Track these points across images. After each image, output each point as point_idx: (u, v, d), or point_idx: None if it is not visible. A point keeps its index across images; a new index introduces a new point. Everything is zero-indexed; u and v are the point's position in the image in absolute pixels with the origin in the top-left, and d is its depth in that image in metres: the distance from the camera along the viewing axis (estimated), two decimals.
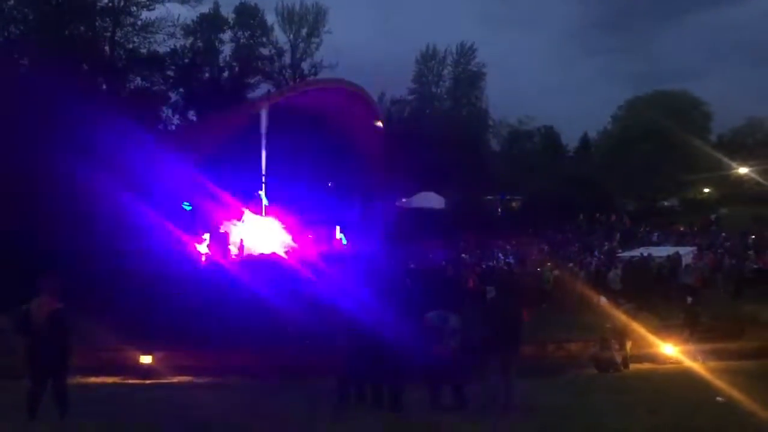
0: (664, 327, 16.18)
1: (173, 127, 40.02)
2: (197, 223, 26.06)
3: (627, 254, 27.46)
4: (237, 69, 46.80)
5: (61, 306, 7.63)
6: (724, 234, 32.51)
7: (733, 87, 78.00)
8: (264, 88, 47.22)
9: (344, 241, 32.69)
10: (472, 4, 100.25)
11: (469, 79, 55.73)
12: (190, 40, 42.99)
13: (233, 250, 28.09)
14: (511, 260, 29.57)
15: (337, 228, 33.09)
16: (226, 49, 46.37)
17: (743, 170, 42.83)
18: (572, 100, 76.65)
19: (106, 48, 32.72)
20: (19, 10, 28.96)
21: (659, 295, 21.02)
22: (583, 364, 14.79)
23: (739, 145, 48.66)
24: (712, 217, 38.82)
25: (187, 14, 37.03)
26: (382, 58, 59.23)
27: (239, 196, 30.87)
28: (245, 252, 28.47)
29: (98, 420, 8.10)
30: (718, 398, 9.47)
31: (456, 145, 47.11)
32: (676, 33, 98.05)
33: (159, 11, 33.32)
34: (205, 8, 40.61)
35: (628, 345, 14.78)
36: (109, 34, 32.56)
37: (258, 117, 26.15)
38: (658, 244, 31.01)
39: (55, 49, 27.52)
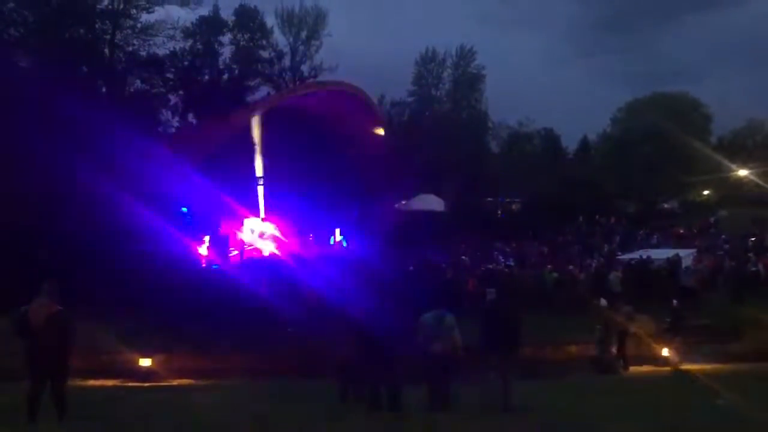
0: (664, 329, 16.17)
1: (173, 130, 40.01)
2: (197, 226, 26.08)
3: (627, 256, 27.45)
4: (237, 71, 46.74)
5: (61, 309, 7.63)
6: (723, 236, 32.51)
7: (733, 89, 78.07)
8: (264, 90, 47.24)
9: (344, 243, 32.72)
10: (472, 6, 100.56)
11: (468, 81, 55.72)
12: (190, 42, 42.88)
13: (233, 252, 28.12)
14: (511, 262, 29.54)
15: (337, 230, 33.12)
16: (226, 52, 46.27)
17: (743, 172, 42.84)
18: (572, 102, 76.69)
19: (106, 50, 32.69)
20: (18, 13, 28.94)
21: (659, 298, 21.00)
22: (582, 366, 14.80)
23: (739, 147, 48.72)
24: (712, 219, 38.85)
25: (186, 17, 37.01)
26: (381, 61, 59.14)
27: (239, 199, 30.91)
28: (245, 254, 28.51)
29: (97, 422, 8.11)
30: (718, 400, 9.48)
31: (456, 148, 47.12)
32: (675, 34, 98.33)
33: (159, 14, 33.33)
34: (204, 11, 40.58)
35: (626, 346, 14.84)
36: (108, 36, 32.52)
37: (258, 119, 26.16)
38: (657, 247, 31.00)
39: (54, 51, 27.52)
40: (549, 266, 25.37)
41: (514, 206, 50.38)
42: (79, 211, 19.07)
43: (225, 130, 25.53)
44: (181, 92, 42.11)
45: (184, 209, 25.65)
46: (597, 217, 42.23)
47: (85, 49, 30.22)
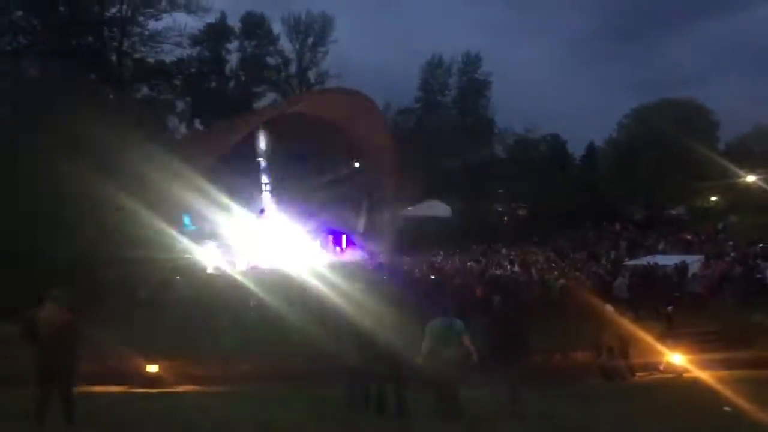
0: (672, 336, 16.10)
1: (180, 136, 40.21)
2: (204, 232, 26.13)
3: (633, 263, 27.34)
4: (243, 78, 47.02)
5: (71, 315, 7.66)
6: (731, 242, 32.35)
7: (739, 94, 77.88)
8: (270, 97, 47.55)
9: (351, 250, 32.74)
10: (478, 13, 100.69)
11: (474, 87, 55.82)
12: (197, 49, 43.28)
13: (240, 258, 28.18)
14: (517, 269, 29.50)
15: (344, 236, 33.16)
16: (233, 59, 46.68)
17: (751, 178, 42.62)
18: (578, 108, 76.66)
19: (114, 58, 32.93)
20: (27, 21, 29.19)
21: (666, 304, 20.93)
22: (589, 372, 14.74)
23: (747, 153, 48.48)
24: (720, 225, 38.66)
25: (194, 24, 37.29)
26: (388, 67, 59.40)
27: (246, 205, 31.00)
28: (252, 261, 28.57)
29: (104, 428, 8.12)
30: (726, 407, 9.43)
31: (462, 154, 47.17)
32: (682, 41, 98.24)
33: (166, 21, 33.59)
34: (212, 18, 40.86)
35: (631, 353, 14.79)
36: (116, 43, 32.80)
37: (265, 126, 26.24)
38: (664, 253, 30.87)
39: (63, 58, 27.72)
40: (555, 272, 25.30)
41: (520, 212, 50.34)
42: (85, 216, 19.10)
43: (231, 137, 25.58)
44: (188, 98, 42.42)
45: (186, 222, 25.68)
46: (603, 223, 42.12)
47: (93, 56, 30.43)
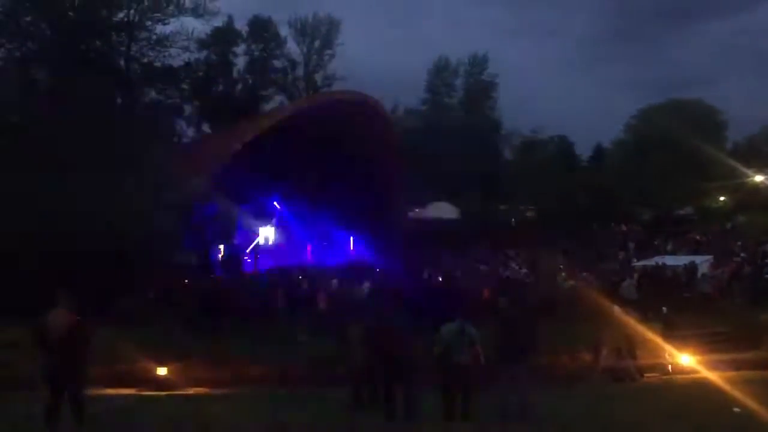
0: (680, 337, 16.06)
1: (188, 140, 40.36)
2: (213, 235, 26.23)
3: (642, 263, 27.29)
4: (251, 81, 47.15)
5: (79, 318, 7.71)
6: (740, 242, 32.25)
7: (748, 94, 77.57)
8: (278, 100, 47.63)
9: (358, 252, 32.80)
10: (485, 15, 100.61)
11: (481, 89, 55.77)
12: (205, 53, 43.37)
13: (248, 260, 28.27)
14: (525, 270, 29.49)
15: (351, 239, 33.21)
16: (240, 62, 46.75)
17: (759, 178, 42.47)
18: (585, 109, 76.48)
19: (122, 62, 33.07)
20: (35, 26, 29.35)
21: (675, 305, 20.88)
22: (598, 373, 14.72)
23: (755, 153, 48.29)
24: (728, 225, 38.53)
25: (201, 28, 37.21)
26: (394, 70, 59.38)
27: (254, 208, 31.08)
28: (260, 263, 28.67)
29: (114, 431, 8.17)
30: (735, 408, 9.41)
31: (469, 156, 47.14)
32: (689, 41, 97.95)
33: (173, 25, 33.57)
34: (219, 22, 40.91)
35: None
36: (124, 48, 32.89)
37: (272, 129, 26.29)
38: (673, 253, 30.81)
39: (71, 64, 27.86)
40: (563, 274, 25.29)
41: (528, 214, 50.25)
42: (96, 221, 19.20)
43: (239, 140, 25.64)
44: (196, 102, 42.55)
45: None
46: (611, 224, 42.02)
47: (101, 61, 30.56)
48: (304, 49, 49.44)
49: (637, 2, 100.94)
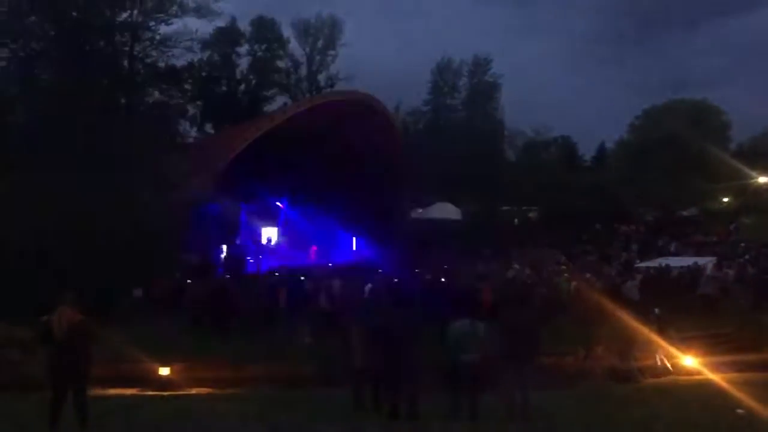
0: (677, 338, 16.03)
1: (191, 140, 40.40)
2: (217, 235, 26.26)
3: (645, 265, 27.26)
4: (254, 82, 47.23)
5: (83, 317, 7.73)
6: (743, 244, 32.20)
7: (752, 95, 77.40)
8: (280, 100, 47.71)
9: (360, 252, 32.80)
10: (488, 15, 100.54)
11: (484, 89, 55.72)
12: (208, 53, 43.47)
13: (251, 260, 28.29)
14: (527, 271, 29.45)
15: (354, 239, 33.22)
16: (243, 63, 46.85)
17: (763, 179, 42.38)
18: (589, 109, 76.40)
19: (125, 62, 33.11)
20: (39, 26, 29.39)
21: (678, 307, 20.85)
22: (600, 375, 14.70)
23: (759, 154, 48.21)
24: (732, 226, 38.46)
25: (204, 28, 37.29)
26: (397, 70, 59.36)
27: (257, 209, 31.12)
28: (263, 263, 28.67)
29: (117, 430, 8.18)
30: (738, 410, 9.39)
31: (472, 156, 47.12)
32: (693, 41, 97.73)
33: (176, 25, 33.61)
34: (222, 22, 40.99)
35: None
36: (127, 48, 32.92)
37: (274, 129, 26.32)
38: (676, 255, 30.76)
39: (75, 64, 27.90)
40: (566, 275, 25.24)
41: (530, 214, 50.22)
42: (101, 220, 19.24)
43: (242, 140, 25.69)
44: (199, 103, 42.62)
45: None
46: (615, 225, 41.95)
47: (104, 62, 30.60)
48: (307, 50, 49.55)
49: (642, 2, 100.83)
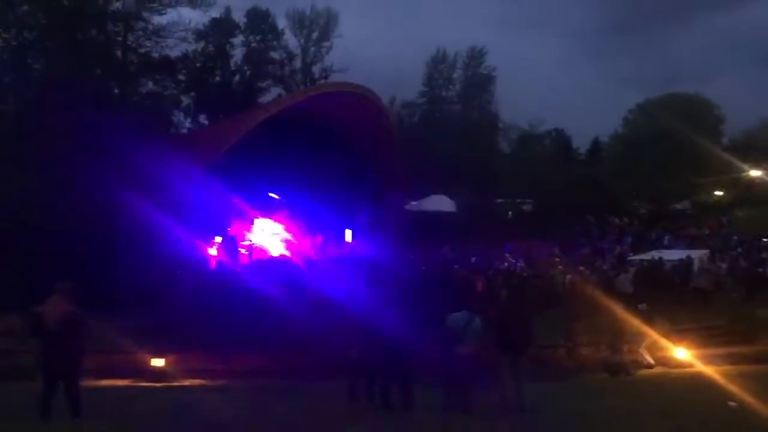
0: (676, 331, 16.09)
1: (185, 131, 40.24)
2: (208, 226, 26.15)
3: (638, 257, 27.33)
4: (248, 73, 47.03)
5: (74, 308, 7.68)
6: (736, 237, 32.31)
7: (745, 89, 77.49)
8: (275, 92, 47.51)
9: (355, 244, 32.73)
10: (483, 8, 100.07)
11: (479, 82, 55.63)
12: (202, 44, 43.24)
13: (243, 253, 28.19)
14: (521, 263, 29.51)
15: (348, 231, 33.14)
16: (238, 53, 46.63)
17: (755, 172, 42.53)
18: (583, 103, 76.20)
19: (119, 53, 32.86)
20: (32, 15, 29.15)
21: (671, 299, 20.95)
22: (594, 367, 14.76)
23: (752, 148, 48.36)
24: (725, 219, 38.58)
25: (198, 19, 37.02)
26: (392, 62, 59.25)
27: (249, 200, 31.01)
28: (256, 255, 28.58)
29: (110, 422, 8.16)
30: (731, 403, 9.42)
31: (466, 149, 47.07)
32: (687, 35, 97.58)
33: (171, 16, 33.36)
34: (216, 12, 40.78)
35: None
36: (121, 38, 32.67)
37: (268, 120, 26.21)
38: (669, 248, 30.83)
39: (68, 53, 27.72)
40: (560, 267, 25.30)
41: (524, 207, 50.28)
42: (92, 211, 19.17)
43: (235, 131, 25.57)
44: (193, 94, 42.42)
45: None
46: (608, 218, 42.02)
47: (97, 51, 30.40)
48: (302, 41, 49.35)
49: None
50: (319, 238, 32.01)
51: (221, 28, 44.53)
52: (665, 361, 15.02)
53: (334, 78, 46.56)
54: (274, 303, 17.91)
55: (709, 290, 20.95)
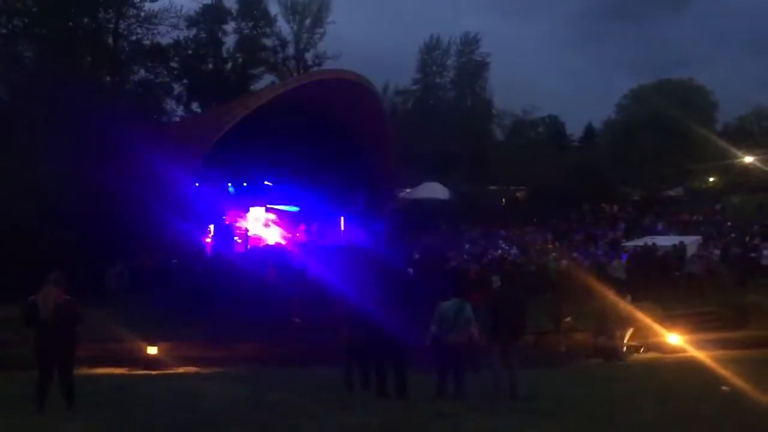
0: (669, 317, 16.19)
1: (177, 119, 40.03)
2: (203, 215, 26.11)
3: (632, 244, 27.41)
4: (240, 60, 46.75)
5: (68, 297, 7.66)
6: (729, 223, 32.43)
7: (739, 75, 77.60)
8: (268, 79, 47.29)
9: (348, 231, 32.75)
10: None
11: (472, 69, 55.57)
12: (194, 31, 42.93)
13: (238, 240, 28.20)
14: (514, 250, 29.56)
15: (342, 219, 33.15)
16: (230, 40, 46.31)
17: (749, 159, 42.63)
18: (577, 89, 76.38)
19: (110, 40, 32.59)
20: (22, 2, 28.85)
21: (665, 285, 21.06)
22: (587, 353, 14.85)
23: (745, 134, 48.47)
24: (717, 206, 38.70)
25: (190, 5, 36.80)
26: (386, 49, 59.02)
27: (243, 187, 30.95)
28: (250, 243, 28.60)
29: (105, 410, 8.16)
30: (723, 387, 9.49)
31: (460, 136, 47.03)
32: (681, 20, 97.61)
33: (162, 2, 33.04)
34: None
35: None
36: (112, 25, 32.37)
37: (261, 108, 26.11)
38: (662, 234, 30.93)
39: (58, 41, 27.49)
40: (553, 254, 25.38)
41: (518, 194, 50.37)
42: (86, 200, 19.12)
43: (228, 119, 25.47)
44: (185, 81, 42.16)
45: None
46: (602, 204, 42.08)
47: (89, 39, 30.14)
48: (295, 28, 49.07)
49: None
50: (313, 226, 32.03)
51: (213, 14, 44.21)
52: (658, 347, 15.13)
53: (328, 65, 46.42)
54: (269, 290, 17.98)
55: (701, 276, 21.05)
